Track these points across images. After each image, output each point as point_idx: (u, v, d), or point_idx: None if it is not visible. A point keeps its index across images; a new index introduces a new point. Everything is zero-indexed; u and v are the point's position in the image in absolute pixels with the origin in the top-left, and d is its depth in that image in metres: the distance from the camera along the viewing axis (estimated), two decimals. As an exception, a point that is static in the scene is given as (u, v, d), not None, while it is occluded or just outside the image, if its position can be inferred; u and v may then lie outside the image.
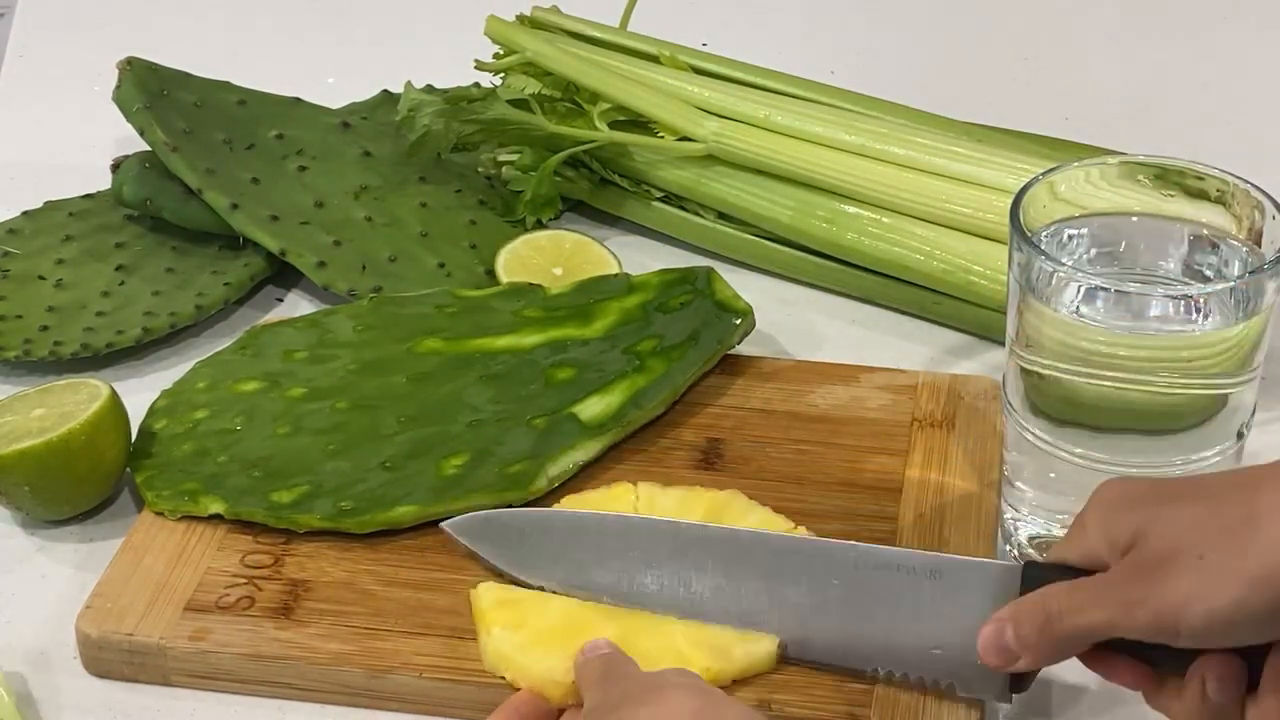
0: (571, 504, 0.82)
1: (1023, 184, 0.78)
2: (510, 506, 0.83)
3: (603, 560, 0.77)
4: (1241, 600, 0.62)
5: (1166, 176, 0.79)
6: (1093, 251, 0.80)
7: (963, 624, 0.70)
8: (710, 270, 0.95)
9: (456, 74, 1.11)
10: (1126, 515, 0.66)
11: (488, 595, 0.77)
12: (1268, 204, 0.76)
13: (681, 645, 0.74)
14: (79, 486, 0.85)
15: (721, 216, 1.04)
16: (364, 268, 1.00)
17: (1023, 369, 0.78)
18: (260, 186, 1.04)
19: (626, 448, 0.87)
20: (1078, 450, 0.77)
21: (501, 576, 0.79)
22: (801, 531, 0.80)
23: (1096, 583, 0.66)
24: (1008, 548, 0.82)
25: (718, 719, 0.65)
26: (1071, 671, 0.76)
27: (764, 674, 0.74)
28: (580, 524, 0.78)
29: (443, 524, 0.81)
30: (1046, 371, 0.77)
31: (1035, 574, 0.70)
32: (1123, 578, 0.65)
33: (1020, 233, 0.76)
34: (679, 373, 0.90)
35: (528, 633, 0.75)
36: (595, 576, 0.77)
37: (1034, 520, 0.81)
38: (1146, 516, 0.65)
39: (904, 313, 1.00)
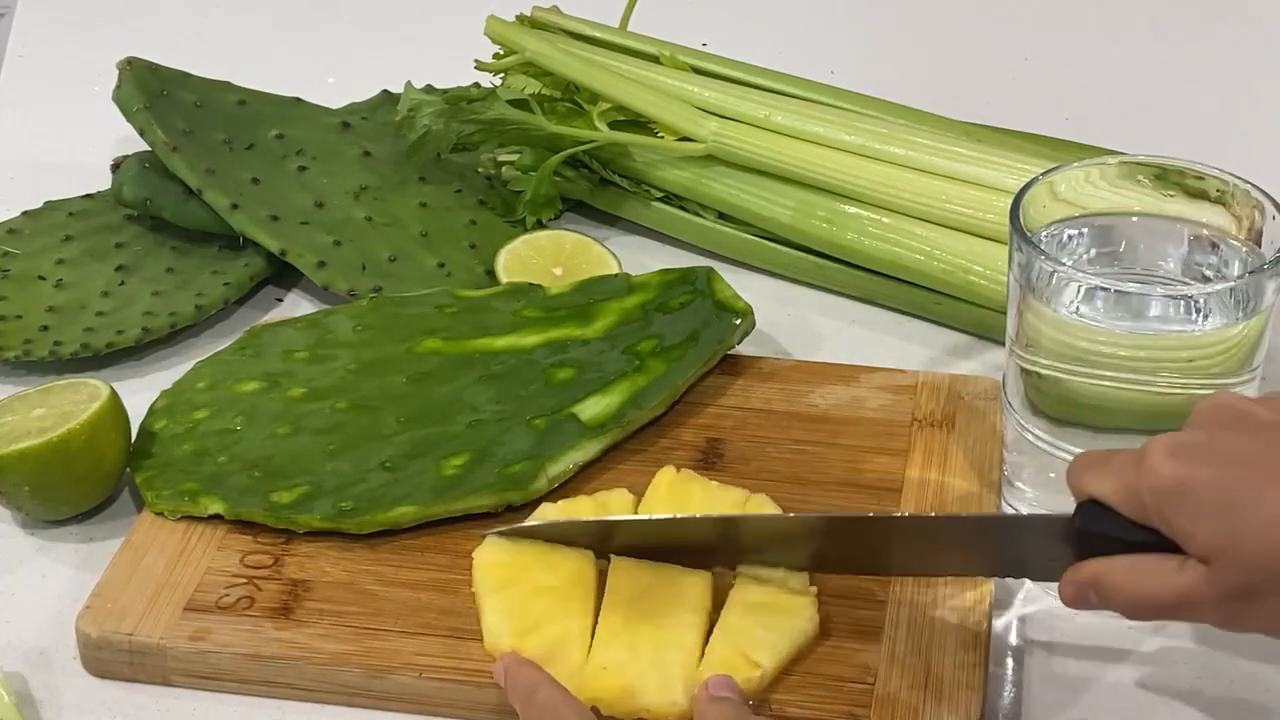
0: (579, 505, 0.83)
1: (1023, 184, 0.78)
2: (510, 507, 0.83)
3: None
4: None
5: (1166, 176, 0.79)
6: (1093, 251, 0.80)
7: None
8: (710, 270, 0.95)
9: (456, 74, 1.11)
10: (1198, 527, 0.63)
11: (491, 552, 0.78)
12: (1268, 204, 0.76)
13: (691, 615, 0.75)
14: (79, 486, 0.85)
15: (721, 216, 1.04)
16: (364, 268, 1.00)
17: (1023, 369, 0.78)
18: (260, 186, 1.04)
19: (626, 448, 0.87)
20: (1078, 450, 0.77)
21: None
22: None
23: (1181, 590, 0.64)
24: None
25: None
26: (1071, 669, 0.77)
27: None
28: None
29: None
30: (1046, 371, 0.77)
31: (1093, 538, 0.68)
32: (1211, 600, 0.64)
33: (1020, 233, 0.76)
34: (679, 373, 0.90)
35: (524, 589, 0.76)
36: None
37: (1034, 520, 0.81)
38: (1223, 539, 0.63)
39: (904, 313, 1.00)
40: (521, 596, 0.77)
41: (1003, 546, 0.74)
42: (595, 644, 0.75)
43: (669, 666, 0.73)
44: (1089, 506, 0.68)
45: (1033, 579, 0.78)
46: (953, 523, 0.76)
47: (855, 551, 0.76)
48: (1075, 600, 0.68)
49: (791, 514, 0.79)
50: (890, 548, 0.76)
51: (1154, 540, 0.65)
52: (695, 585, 0.77)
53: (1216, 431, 0.65)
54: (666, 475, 0.83)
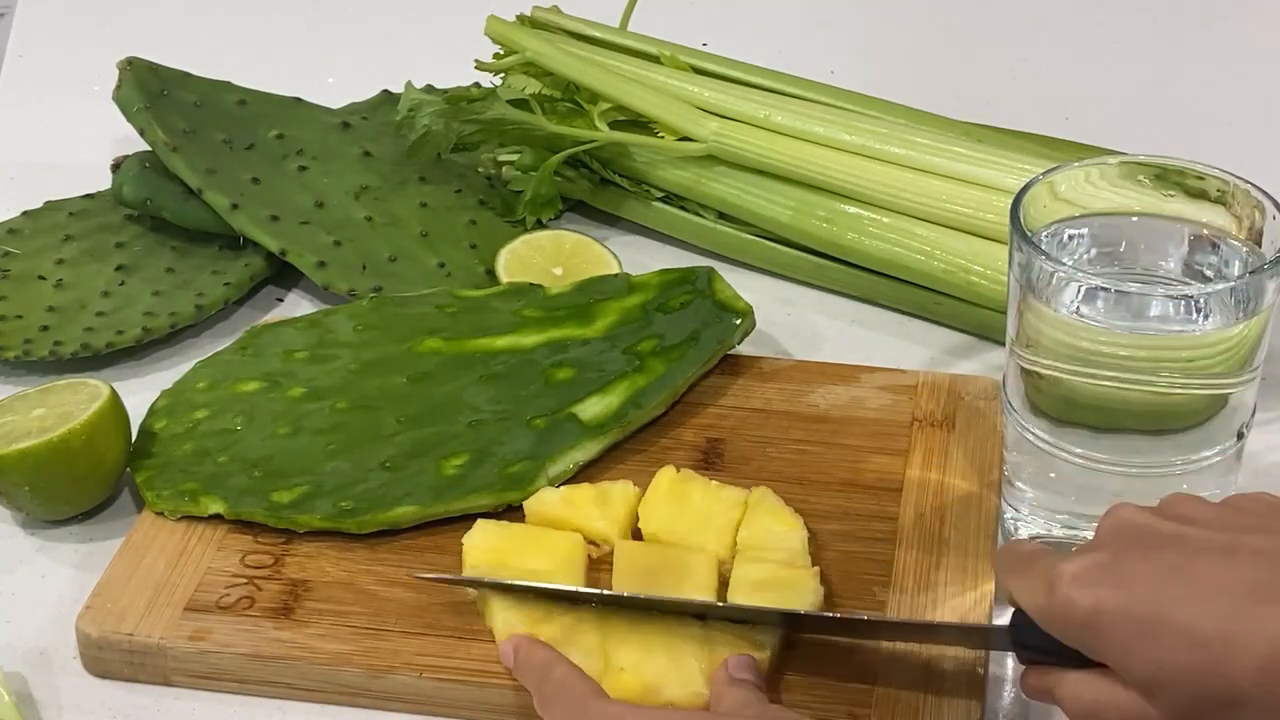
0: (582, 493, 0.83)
1: (1023, 184, 0.78)
2: (510, 507, 0.83)
3: None
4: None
5: (1166, 176, 0.79)
6: (1093, 251, 0.80)
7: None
8: (710, 270, 0.95)
9: (456, 74, 1.11)
10: (1125, 659, 0.62)
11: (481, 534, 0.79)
12: (1268, 204, 0.76)
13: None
14: (79, 486, 0.85)
15: (721, 216, 1.04)
16: (364, 268, 1.00)
17: (1023, 369, 0.78)
18: (260, 186, 1.04)
19: (626, 448, 0.87)
20: (1078, 450, 0.77)
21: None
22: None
23: (1126, 714, 0.63)
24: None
25: None
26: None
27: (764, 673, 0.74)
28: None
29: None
30: (1046, 371, 0.77)
31: (1032, 649, 0.67)
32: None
33: (1020, 233, 0.76)
34: (679, 373, 0.90)
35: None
36: None
37: (1034, 520, 0.81)
38: (1153, 671, 0.61)
39: (904, 313, 1.00)
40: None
41: (950, 640, 0.74)
42: (609, 641, 0.75)
43: (684, 658, 0.73)
44: (1020, 617, 0.67)
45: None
46: (901, 628, 0.75)
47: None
48: (1035, 697, 0.67)
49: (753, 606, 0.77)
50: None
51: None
52: (701, 565, 0.78)
53: (1120, 551, 0.64)
54: (666, 475, 0.83)
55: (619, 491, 0.82)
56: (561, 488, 0.83)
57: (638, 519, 0.81)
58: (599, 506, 0.81)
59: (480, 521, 0.81)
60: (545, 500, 0.82)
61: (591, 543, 0.80)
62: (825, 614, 0.75)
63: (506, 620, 0.75)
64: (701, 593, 0.76)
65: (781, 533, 0.79)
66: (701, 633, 0.74)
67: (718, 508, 0.81)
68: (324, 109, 1.12)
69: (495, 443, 0.86)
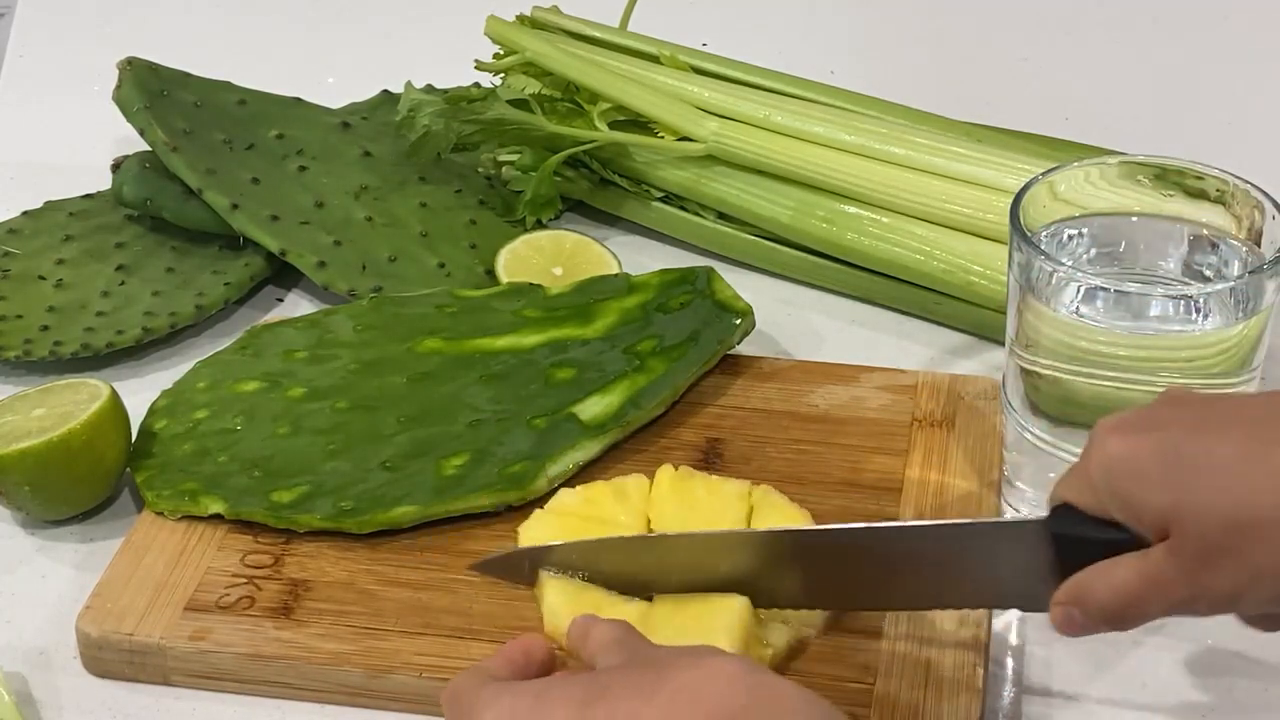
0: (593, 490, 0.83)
1: (1023, 184, 0.78)
2: (510, 507, 0.83)
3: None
4: None
5: (1166, 176, 0.79)
6: (1093, 251, 0.80)
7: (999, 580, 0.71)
8: (710, 270, 0.95)
9: (456, 74, 1.11)
10: (1149, 496, 0.63)
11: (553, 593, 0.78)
12: (1268, 204, 0.76)
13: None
14: (79, 486, 0.85)
15: (721, 216, 1.04)
16: (364, 268, 1.00)
17: (1022, 369, 0.78)
18: (260, 186, 1.04)
19: (626, 448, 0.87)
20: (1077, 450, 0.76)
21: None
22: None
23: (1148, 573, 0.64)
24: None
25: (763, 686, 0.61)
26: (1071, 669, 0.77)
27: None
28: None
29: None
30: (1046, 371, 0.77)
31: (1067, 542, 0.67)
32: (1173, 573, 0.63)
33: (1020, 233, 0.76)
34: (679, 373, 0.90)
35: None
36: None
37: (1034, 520, 0.81)
38: (1173, 501, 0.63)
39: (904, 313, 1.00)
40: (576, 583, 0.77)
41: (984, 557, 0.71)
42: (647, 629, 0.75)
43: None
44: (1059, 509, 0.67)
45: (1023, 609, 0.76)
46: (930, 531, 0.73)
47: (845, 571, 0.74)
48: (1064, 621, 0.67)
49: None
50: (881, 559, 0.74)
51: (1124, 538, 0.65)
52: None
53: (1158, 406, 0.66)
54: (666, 473, 0.83)
55: (634, 485, 0.83)
56: (578, 487, 0.83)
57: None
58: (619, 501, 0.82)
59: (537, 512, 0.81)
60: (565, 501, 0.82)
61: None
62: (853, 525, 0.73)
63: (554, 607, 0.76)
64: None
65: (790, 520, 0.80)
66: (733, 619, 0.75)
67: (724, 501, 0.81)
68: (324, 109, 1.12)
69: (495, 443, 0.86)
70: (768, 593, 0.75)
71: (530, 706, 0.63)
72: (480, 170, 1.09)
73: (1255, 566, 0.62)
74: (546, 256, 1.01)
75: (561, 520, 0.81)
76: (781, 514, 0.80)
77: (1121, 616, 0.65)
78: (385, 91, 1.15)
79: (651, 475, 0.83)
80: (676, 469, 0.83)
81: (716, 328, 0.92)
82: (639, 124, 1.05)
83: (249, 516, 0.83)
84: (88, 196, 1.09)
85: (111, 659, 0.78)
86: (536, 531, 0.81)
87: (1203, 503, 0.62)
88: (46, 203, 1.08)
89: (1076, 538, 0.66)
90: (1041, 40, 1.28)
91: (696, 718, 0.59)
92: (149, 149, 1.05)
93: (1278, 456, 0.61)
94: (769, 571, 0.74)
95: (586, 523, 0.81)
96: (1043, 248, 0.76)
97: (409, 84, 1.06)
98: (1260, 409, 0.64)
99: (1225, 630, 0.71)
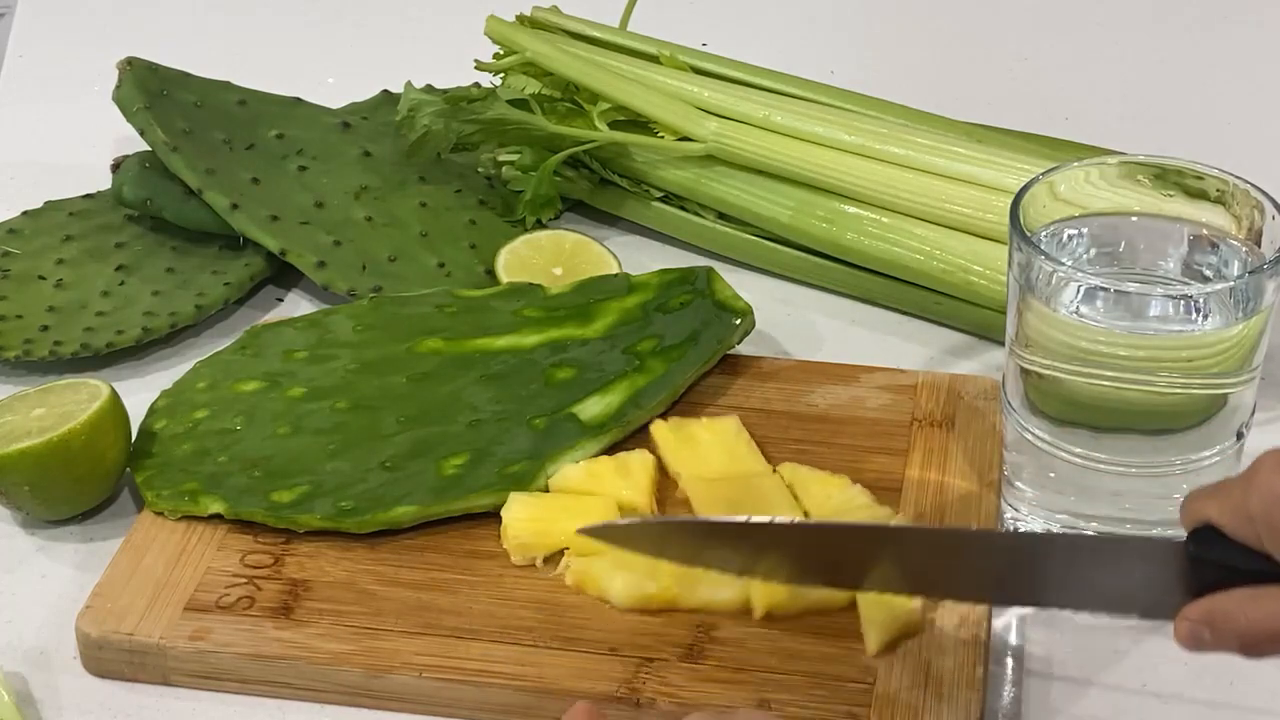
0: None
1: (1023, 184, 0.78)
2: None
3: None
4: None
5: (1166, 176, 0.79)
6: (1093, 251, 0.80)
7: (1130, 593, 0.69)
8: (710, 270, 0.95)
9: (456, 74, 1.11)
10: None
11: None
12: (1268, 204, 0.76)
13: None
14: (79, 486, 0.85)
15: (721, 216, 1.04)
16: (364, 268, 1.00)
17: (1023, 369, 0.78)
18: (260, 186, 1.04)
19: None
20: (1078, 450, 0.77)
21: None
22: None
23: None
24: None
25: None
26: (1071, 669, 0.77)
27: (759, 671, 0.74)
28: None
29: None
30: (1046, 371, 0.77)
31: (1204, 564, 0.65)
32: None
33: (1020, 233, 0.76)
34: (679, 373, 0.90)
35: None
36: None
37: (1034, 520, 0.81)
38: None
39: (904, 313, 1.00)
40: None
41: (1112, 572, 0.69)
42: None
43: None
44: (1202, 532, 0.65)
45: (1141, 616, 0.71)
46: (1053, 541, 0.72)
47: (941, 569, 0.72)
48: (1190, 638, 0.65)
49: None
50: (984, 567, 0.71)
51: (1271, 570, 0.63)
52: (773, 487, 0.81)
53: None
54: (660, 429, 0.86)
55: (637, 460, 0.84)
56: (581, 462, 0.84)
57: (657, 484, 0.84)
58: (622, 476, 0.83)
59: (514, 495, 0.82)
60: (570, 475, 0.83)
61: None
62: (996, 531, 0.74)
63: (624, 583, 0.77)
64: (787, 511, 0.80)
65: (835, 485, 0.82)
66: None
67: (727, 438, 0.85)
68: (324, 109, 1.12)
69: (495, 443, 0.86)
70: (880, 581, 0.73)
71: None
72: (480, 170, 1.09)
73: None
74: (546, 256, 1.01)
75: (540, 504, 0.82)
76: (823, 484, 0.82)
77: (1259, 648, 0.64)
78: (385, 91, 1.15)
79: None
80: (667, 420, 0.86)
81: (716, 328, 0.92)
82: (639, 124, 1.05)
83: (249, 516, 0.83)
84: (88, 196, 1.09)
85: (111, 659, 0.78)
86: (519, 510, 0.82)
87: None
88: (46, 203, 1.08)
89: (1217, 564, 0.64)
90: (1041, 40, 1.28)
91: None
92: (149, 149, 1.05)
93: None
94: (900, 565, 0.72)
95: (579, 500, 0.82)
96: (1043, 248, 0.76)
97: (409, 84, 1.06)
98: None
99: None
